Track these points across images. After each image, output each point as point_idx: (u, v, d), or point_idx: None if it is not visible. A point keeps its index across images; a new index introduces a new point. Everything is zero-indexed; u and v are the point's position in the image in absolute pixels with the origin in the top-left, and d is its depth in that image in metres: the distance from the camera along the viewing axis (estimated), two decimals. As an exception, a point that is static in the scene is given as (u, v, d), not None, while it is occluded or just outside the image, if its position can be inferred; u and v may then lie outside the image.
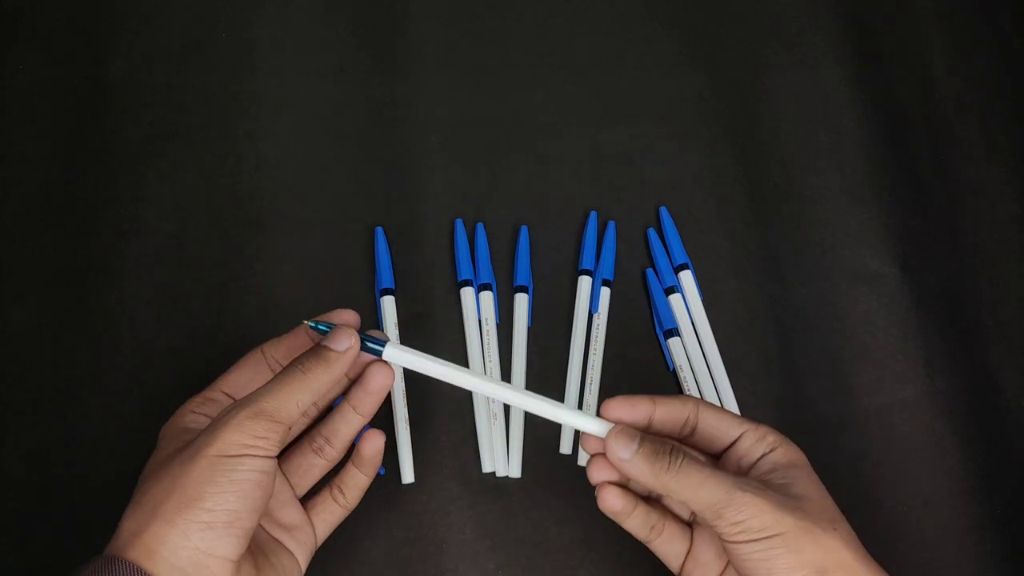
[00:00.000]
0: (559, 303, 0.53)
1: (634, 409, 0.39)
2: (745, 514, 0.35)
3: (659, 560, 0.41)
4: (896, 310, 0.54)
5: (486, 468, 0.49)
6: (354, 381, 0.42)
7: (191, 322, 0.51)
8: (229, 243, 0.53)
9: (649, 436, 0.37)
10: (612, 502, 0.39)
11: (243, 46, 0.56)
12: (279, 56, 0.56)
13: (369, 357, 0.40)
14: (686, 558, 0.40)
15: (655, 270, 0.54)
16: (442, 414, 0.50)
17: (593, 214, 0.54)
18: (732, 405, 0.51)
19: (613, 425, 0.38)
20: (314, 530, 0.42)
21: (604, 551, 0.49)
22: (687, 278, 0.53)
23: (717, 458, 0.40)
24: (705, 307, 0.53)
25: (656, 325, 0.53)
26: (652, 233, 0.54)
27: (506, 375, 0.51)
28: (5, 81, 0.55)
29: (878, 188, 0.56)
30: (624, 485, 0.40)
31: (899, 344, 0.53)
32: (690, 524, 0.41)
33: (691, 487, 0.36)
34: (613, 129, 0.57)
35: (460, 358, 0.51)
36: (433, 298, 0.52)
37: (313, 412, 0.43)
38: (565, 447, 0.50)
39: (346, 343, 0.38)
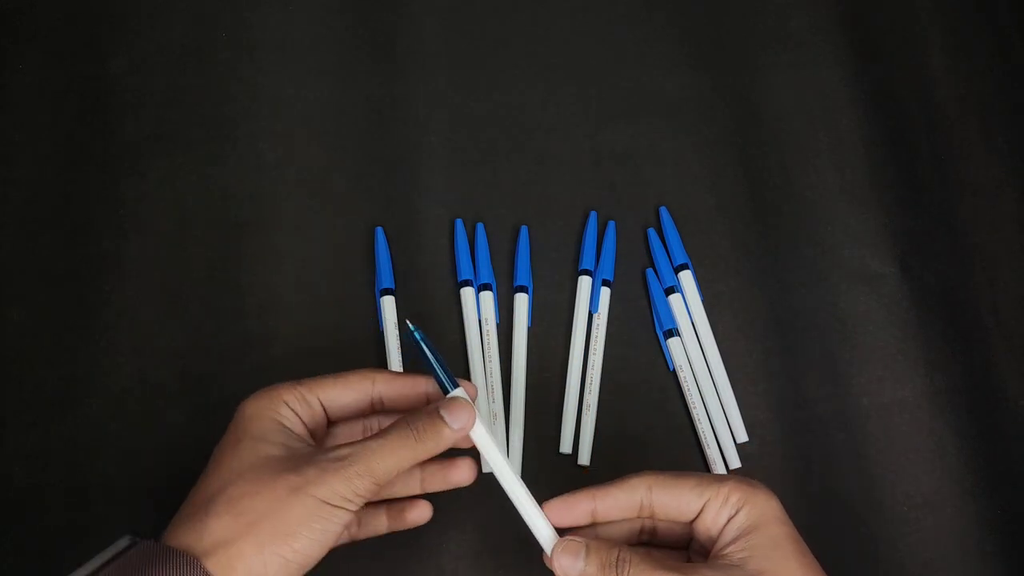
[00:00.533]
0: (559, 303, 0.53)
1: (572, 510, 0.38)
2: None
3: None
4: (896, 310, 0.54)
5: (486, 468, 0.49)
6: None
7: (191, 322, 0.51)
8: (229, 243, 0.53)
9: (595, 545, 0.37)
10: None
11: (243, 46, 0.56)
12: (279, 56, 0.56)
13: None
14: None
15: (655, 270, 0.54)
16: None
17: (593, 214, 0.54)
18: (732, 405, 0.51)
19: (557, 540, 0.38)
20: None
21: (604, 551, 0.48)
22: (687, 278, 0.53)
23: (690, 527, 0.39)
24: (705, 307, 0.53)
25: (656, 325, 0.53)
26: (652, 233, 0.54)
27: (506, 375, 0.51)
28: (5, 81, 0.55)
29: (878, 188, 0.56)
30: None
31: (899, 344, 0.53)
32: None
33: None
34: (613, 129, 0.57)
35: (460, 358, 0.51)
36: (433, 298, 0.52)
37: None
38: (565, 447, 0.50)
39: (463, 421, 0.38)
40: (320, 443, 0.41)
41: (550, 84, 0.57)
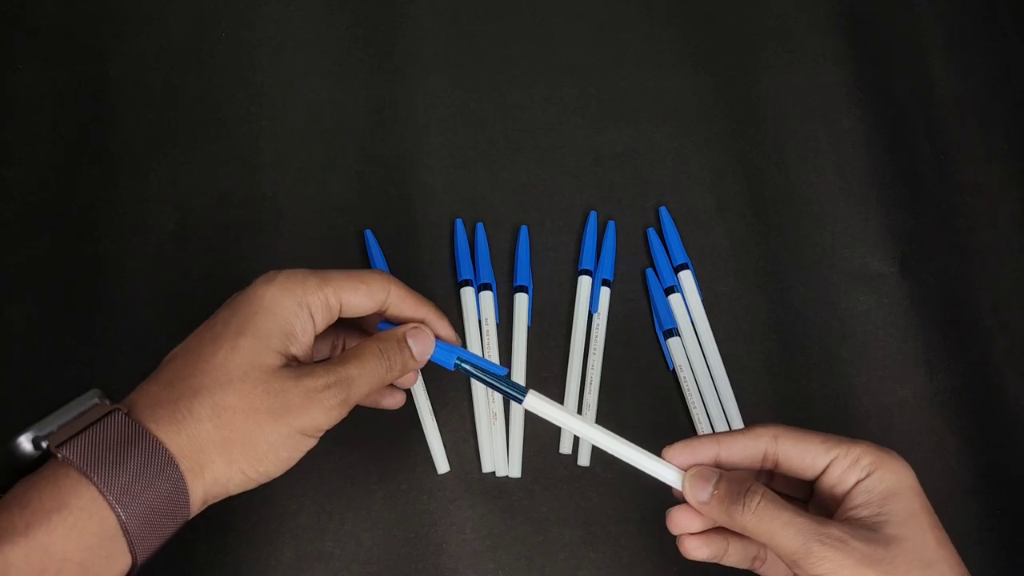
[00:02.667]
0: (559, 303, 0.53)
1: (695, 453, 0.37)
2: (823, 568, 0.32)
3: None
4: (896, 310, 0.54)
5: (486, 468, 0.49)
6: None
7: (191, 322, 0.51)
8: (229, 243, 0.53)
9: (728, 475, 0.36)
10: (695, 552, 0.37)
11: (243, 46, 0.56)
12: (279, 56, 0.56)
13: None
14: (757, 561, 0.39)
15: (655, 270, 0.54)
16: (442, 414, 0.50)
17: (593, 214, 0.54)
18: (732, 405, 0.51)
19: (686, 471, 0.37)
20: None
21: (604, 551, 0.49)
22: (687, 278, 0.53)
23: (811, 486, 0.37)
24: (705, 307, 0.53)
25: (656, 325, 0.53)
26: (652, 233, 0.54)
27: (506, 375, 0.51)
28: (5, 81, 0.55)
29: (878, 188, 0.56)
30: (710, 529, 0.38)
31: (899, 344, 0.53)
32: None
33: (768, 532, 0.34)
34: (613, 129, 0.57)
35: (460, 358, 0.51)
36: (433, 298, 0.52)
37: None
38: (565, 447, 0.50)
39: (424, 349, 0.39)
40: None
41: (550, 84, 0.57)
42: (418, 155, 0.55)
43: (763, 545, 0.38)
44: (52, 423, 0.32)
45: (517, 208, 0.55)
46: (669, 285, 0.53)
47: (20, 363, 0.50)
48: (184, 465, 0.33)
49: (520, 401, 0.39)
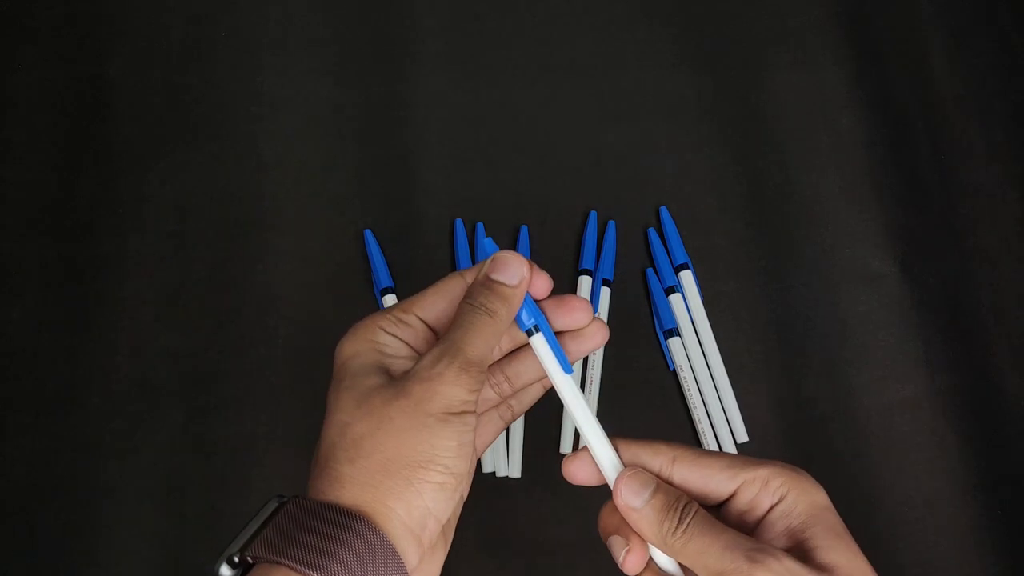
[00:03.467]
0: (559, 303, 0.53)
1: (584, 462, 0.35)
2: None
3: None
4: (896, 310, 0.54)
5: (486, 468, 0.49)
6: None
7: (191, 322, 0.51)
8: (229, 243, 0.53)
9: (666, 486, 0.33)
10: (634, 567, 0.35)
11: (243, 46, 0.56)
12: (279, 56, 0.56)
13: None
14: None
15: (655, 270, 0.54)
16: (442, 414, 0.50)
17: (593, 214, 0.54)
18: (732, 405, 0.51)
19: (623, 468, 0.34)
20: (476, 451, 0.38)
21: (604, 551, 0.48)
22: (687, 278, 0.53)
23: (719, 509, 0.35)
24: (705, 307, 0.53)
25: (656, 325, 0.53)
26: (652, 233, 0.54)
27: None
28: (5, 81, 0.55)
29: (878, 188, 0.56)
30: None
31: (899, 344, 0.53)
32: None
33: (699, 552, 0.31)
34: (613, 129, 0.57)
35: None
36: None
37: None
38: (565, 447, 0.50)
39: (516, 273, 0.35)
40: None
41: (550, 84, 0.57)
42: (418, 155, 0.55)
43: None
44: (241, 538, 0.32)
45: (517, 208, 0.55)
46: (669, 285, 0.53)
47: (20, 363, 0.50)
48: (370, 508, 0.31)
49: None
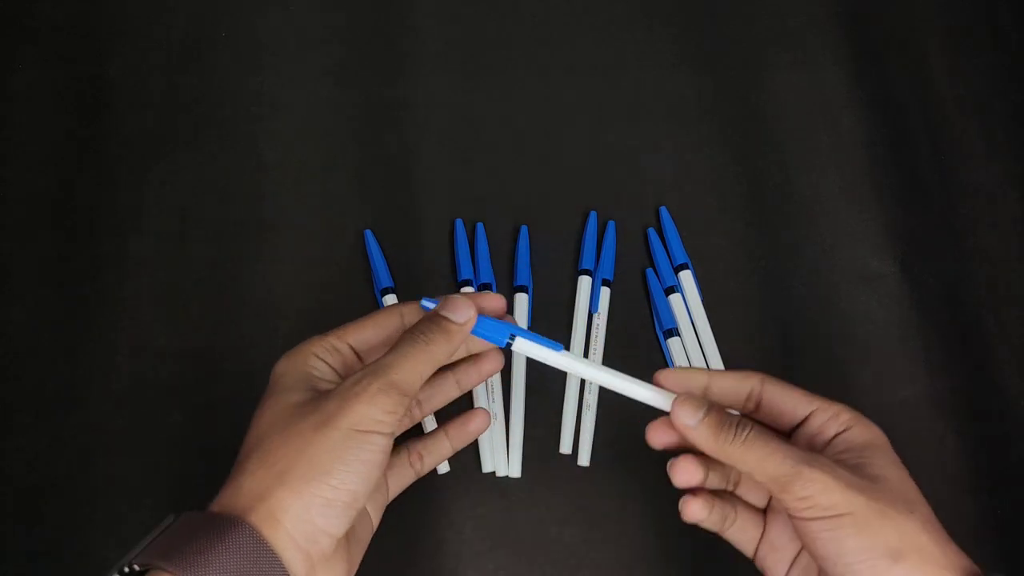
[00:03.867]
0: (559, 303, 0.53)
1: (687, 380, 0.38)
2: (812, 489, 0.33)
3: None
4: (896, 310, 0.54)
5: (486, 468, 0.49)
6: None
7: (191, 322, 0.51)
8: (229, 243, 0.53)
9: (717, 406, 0.36)
10: (697, 514, 0.38)
11: (243, 46, 0.56)
12: (279, 56, 0.56)
13: (476, 341, 0.39)
14: (759, 543, 0.40)
15: (655, 270, 0.54)
16: (442, 415, 0.50)
17: (593, 214, 0.54)
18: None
19: (676, 395, 0.37)
20: (388, 489, 0.42)
21: (604, 551, 0.49)
22: (687, 278, 0.53)
23: (788, 436, 0.38)
24: (705, 307, 0.53)
25: (656, 325, 0.53)
26: (652, 233, 0.54)
27: (506, 375, 0.51)
28: (5, 81, 0.55)
29: (878, 188, 0.56)
30: (703, 490, 0.39)
31: (899, 344, 0.53)
32: (763, 511, 0.40)
33: (757, 459, 0.34)
34: (613, 129, 0.57)
35: (460, 358, 0.51)
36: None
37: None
38: (565, 447, 0.50)
39: (464, 314, 0.37)
40: None
41: (550, 84, 0.57)
42: (418, 155, 0.55)
43: (736, 505, 0.39)
44: (135, 550, 0.33)
45: (517, 208, 0.55)
46: (669, 285, 0.53)
47: (20, 363, 0.50)
48: (254, 519, 0.32)
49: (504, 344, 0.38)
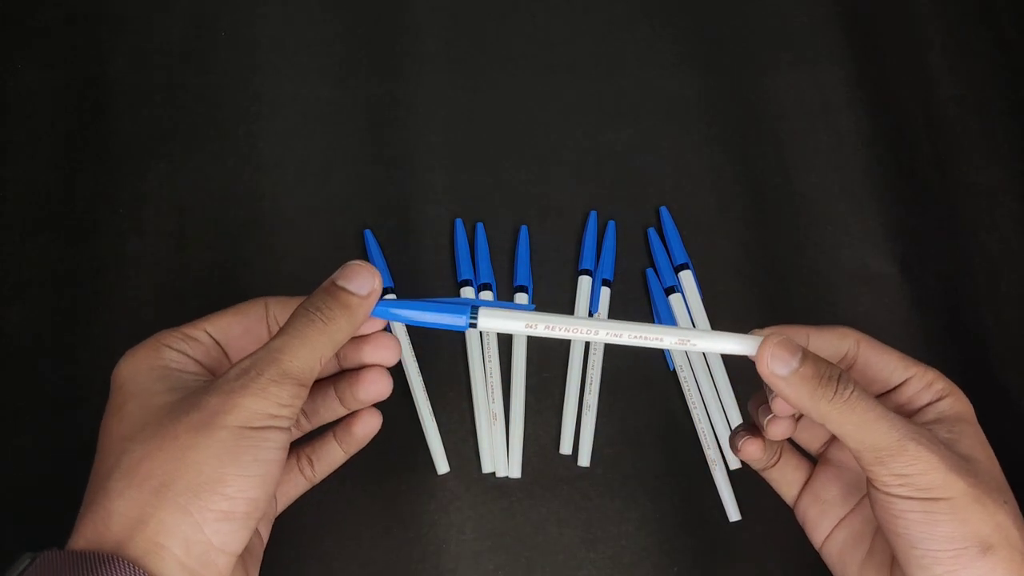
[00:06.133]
0: (559, 303, 0.53)
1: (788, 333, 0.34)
2: (914, 468, 0.30)
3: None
4: (896, 310, 0.54)
5: (486, 468, 0.49)
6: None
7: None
8: (229, 243, 0.53)
9: (814, 355, 0.32)
10: (753, 455, 0.36)
11: (243, 46, 0.56)
12: (279, 56, 0.56)
13: (380, 323, 0.35)
14: (803, 490, 0.38)
15: (655, 270, 0.54)
16: (442, 414, 0.50)
17: (593, 214, 0.54)
18: (732, 405, 0.51)
19: (766, 336, 0.32)
20: (276, 502, 0.37)
21: (604, 552, 0.49)
22: (687, 278, 0.53)
23: (883, 397, 0.36)
24: (705, 307, 0.53)
25: (656, 325, 0.53)
26: (652, 233, 0.54)
27: (506, 375, 0.51)
28: (5, 81, 0.55)
29: (878, 188, 0.56)
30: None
31: (899, 344, 0.53)
32: (811, 457, 0.39)
33: (857, 424, 0.31)
34: (613, 129, 0.57)
35: (460, 358, 0.51)
36: (433, 298, 0.52)
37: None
38: (565, 447, 0.50)
39: (366, 283, 0.32)
40: None
41: (550, 84, 0.57)
42: (418, 155, 0.55)
43: (783, 443, 0.37)
44: None
45: (517, 208, 0.55)
46: (669, 285, 0.53)
47: (20, 363, 0.50)
48: (134, 551, 0.27)
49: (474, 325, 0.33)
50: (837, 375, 0.31)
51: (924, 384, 0.35)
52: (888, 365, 0.35)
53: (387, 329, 0.36)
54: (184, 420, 0.29)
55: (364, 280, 0.32)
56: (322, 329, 0.31)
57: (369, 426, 0.37)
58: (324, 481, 0.48)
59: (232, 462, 0.28)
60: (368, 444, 0.49)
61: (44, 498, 0.48)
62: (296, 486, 0.37)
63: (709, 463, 0.50)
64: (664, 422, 0.51)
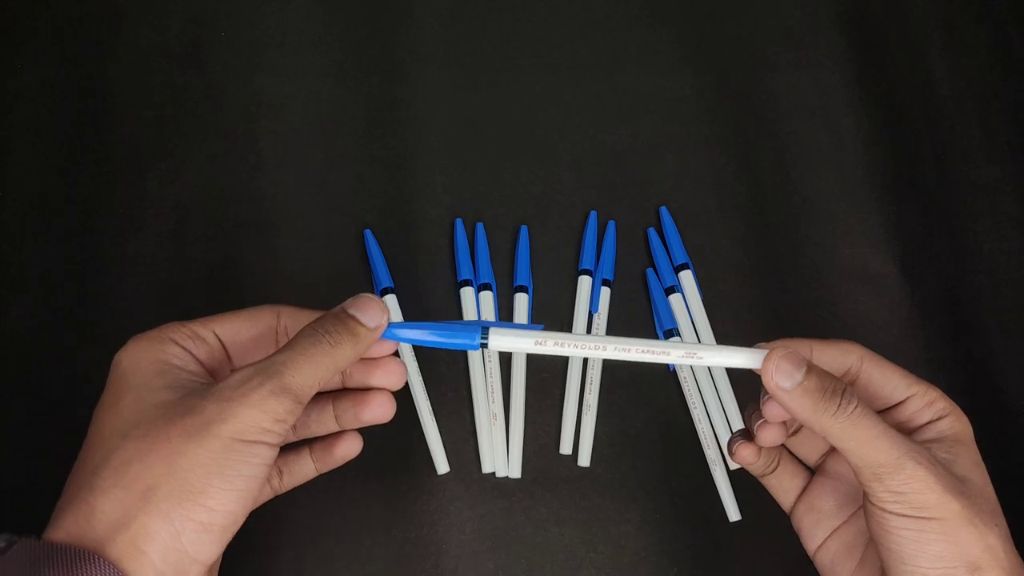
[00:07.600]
0: (559, 303, 0.53)
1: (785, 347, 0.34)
2: (910, 487, 0.31)
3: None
4: (896, 310, 0.54)
5: (486, 468, 0.49)
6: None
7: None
8: (229, 243, 0.53)
9: (819, 368, 0.32)
10: (747, 459, 0.36)
11: (243, 46, 0.56)
12: (279, 56, 0.56)
13: (391, 347, 0.36)
14: (799, 499, 0.38)
15: (655, 270, 0.54)
16: (442, 415, 0.50)
17: (593, 214, 0.54)
18: (732, 405, 0.51)
19: (771, 348, 0.33)
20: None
21: (604, 552, 0.49)
22: (687, 278, 0.53)
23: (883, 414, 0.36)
24: (705, 307, 0.53)
25: (656, 325, 0.53)
26: (652, 233, 0.54)
27: (506, 375, 0.51)
28: (5, 81, 0.55)
29: (878, 188, 0.56)
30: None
31: (899, 344, 0.53)
32: (808, 467, 0.39)
33: (858, 439, 0.31)
34: (613, 129, 0.57)
35: (460, 358, 0.51)
36: (433, 298, 0.52)
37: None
38: (565, 447, 0.50)
39: (375, 317, 0.33)
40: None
41: (550, 84, 0.57)
42: (418, 155, 0.55)
43: (781, 451, 0.38)
44: None
45: (517, 208, 0.55)
46: (669, 285, 0.53)
47: (20, 363, 0.50)
48: (114, 551, 0.27)
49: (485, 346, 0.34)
50: (841, 389, 0.32)
51: (926, 403, 0.35)
52: (891, 382, 0.36)
53: (395, 353, 0.36)
54: (179, 423, 0.29)
55: (374, 313, 0.33)
56: (327, 352, 0.31)
57: (350, 449, 0.38)
58: (324, 481, 0.48)
59: (218, 474, 0.28)
60: (368, 444, 0.50)
61: (44, 498, 0.48)
62: (262, 495, 0.37)
63: (709, 463, 0.50)
64: (664, 422, 0.51)
